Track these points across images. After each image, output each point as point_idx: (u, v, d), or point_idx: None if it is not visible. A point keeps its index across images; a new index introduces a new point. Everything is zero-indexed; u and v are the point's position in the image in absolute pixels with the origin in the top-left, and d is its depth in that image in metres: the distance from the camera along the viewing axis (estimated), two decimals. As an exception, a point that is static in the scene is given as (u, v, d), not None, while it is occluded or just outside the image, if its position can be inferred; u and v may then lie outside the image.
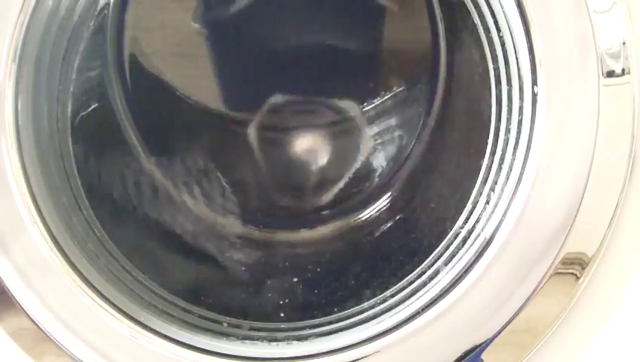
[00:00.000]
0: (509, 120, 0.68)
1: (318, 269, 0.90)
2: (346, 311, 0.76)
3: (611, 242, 0.65)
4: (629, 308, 0.67)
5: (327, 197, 0.98)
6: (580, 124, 0.62)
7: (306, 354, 0.68)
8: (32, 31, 0.65)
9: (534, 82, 0.63)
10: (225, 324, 0.75)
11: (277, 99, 0.97)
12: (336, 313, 0.76)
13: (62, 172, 0.74)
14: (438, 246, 0.73)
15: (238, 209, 0.96)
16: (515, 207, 0.64)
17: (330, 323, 0.74)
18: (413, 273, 0.74)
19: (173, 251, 0.88)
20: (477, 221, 0.69)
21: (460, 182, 0.79)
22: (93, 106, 0.86)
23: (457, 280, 0.65)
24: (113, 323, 0.66)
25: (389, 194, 0.95)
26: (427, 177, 0.93)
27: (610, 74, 0.62)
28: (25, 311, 0.66)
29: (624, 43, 0.62)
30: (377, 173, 0.97)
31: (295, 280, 0.88)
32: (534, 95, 0.63)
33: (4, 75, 0.64)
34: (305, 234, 0.96)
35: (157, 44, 0.94)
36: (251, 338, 0.71)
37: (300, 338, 0.71)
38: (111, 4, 0.88)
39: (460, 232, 0.71)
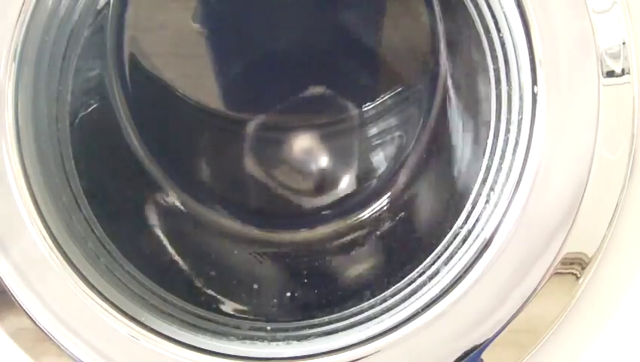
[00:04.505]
0: (508, 120, 0.68)
1: (318, 269, 0.90)
2: (346, 311, 0.76)
3: (611, 242, 0.65)
4: (629, 308, 0.67)
5: (327, 197, 0.98)
6: (579, 124, 0.62)
7: (306, 354, 0.68)
8: (32, 31, 0.65)
9: (534, 82, 0.63)
10: (227, 325, 0.75)
11: (276, 99, 0.97)
12: (336, 313, 0.76)
13: (62, 172, 0.73)
14: (437, 246, 0.73)
15: (238, 209, 0.96)
16: (515, 207, 0.64)
17: (330, 323, 0.74)
18: (413, 273, 0.74)
19: (173, 251, 0.88)
20: (477, 221, 0.69)
21: (459, 182, 0.79)
22: (93, 106, 0.86)
23: (457, 280, 0.65)
24: (113, 323, 0.66)
25: (389, 194, 0.95)
26: (427, 177, 0.93)
27: (610, 74, 0.62)
28: (25, 311, 0.66)
29: (624, 43, 0.62)
30: (377, 173, 0.97)
31: (295, 280, 0.88)
32: (534, 95, 0.63)
33: (4, 75, 0.64)
34: (305, 234, 0.96)
35: (157, 44, 0.94)
36: (251, 338, 0.71)
37: (299, 338, 0.71)
38: (111, 4, 0.88)
39: (459, 232, 0.71)
